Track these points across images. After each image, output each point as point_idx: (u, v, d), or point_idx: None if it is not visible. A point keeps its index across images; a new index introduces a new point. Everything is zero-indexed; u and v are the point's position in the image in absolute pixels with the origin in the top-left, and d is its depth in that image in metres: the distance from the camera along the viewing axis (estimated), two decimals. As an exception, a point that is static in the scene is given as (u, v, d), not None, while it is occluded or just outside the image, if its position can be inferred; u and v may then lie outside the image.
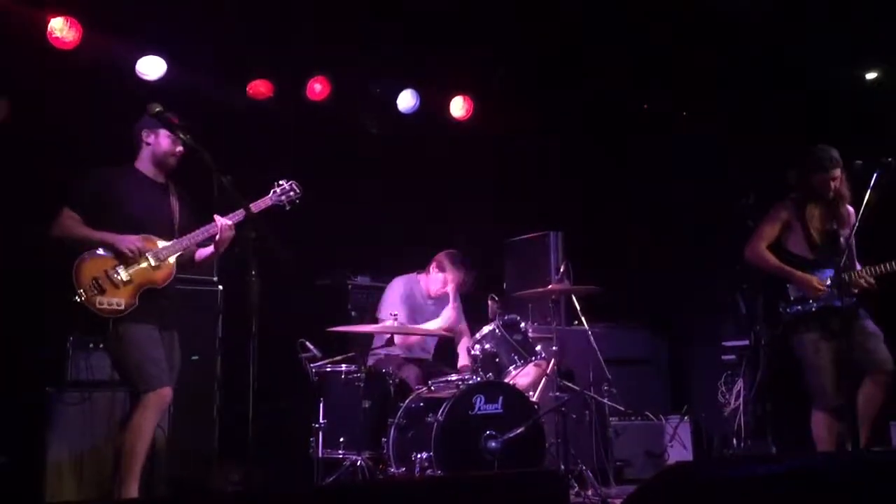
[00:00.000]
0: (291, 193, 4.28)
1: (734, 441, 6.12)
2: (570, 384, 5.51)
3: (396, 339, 5.46)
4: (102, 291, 3.95)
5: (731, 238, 5.61)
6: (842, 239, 4.65)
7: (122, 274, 4.00)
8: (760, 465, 2.36)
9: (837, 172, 4.77)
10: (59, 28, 5.31)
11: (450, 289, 5.55)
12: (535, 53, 6.47)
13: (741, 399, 6.17)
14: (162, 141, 4.19)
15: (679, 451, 6.22)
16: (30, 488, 4.58)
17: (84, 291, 3.91)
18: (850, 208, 4.77)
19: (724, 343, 6.56)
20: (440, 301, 5.66)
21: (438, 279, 5.60)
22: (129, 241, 4.02)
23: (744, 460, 4.32)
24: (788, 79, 6.34)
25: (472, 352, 5.19)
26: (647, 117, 7.02)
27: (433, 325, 5.56)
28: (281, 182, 4.30)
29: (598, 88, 6.76)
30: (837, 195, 4.79)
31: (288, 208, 4.28)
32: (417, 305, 5.62)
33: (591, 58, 6.44)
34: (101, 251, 4.02)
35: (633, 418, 6.21)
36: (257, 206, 4.16)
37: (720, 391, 6.45)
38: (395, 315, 5.18)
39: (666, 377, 6.86)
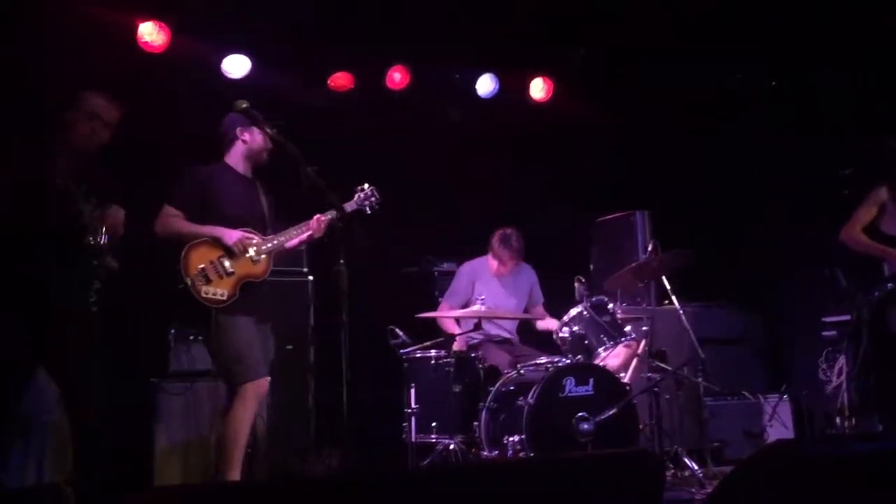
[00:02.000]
0: (373, 199, 4.43)
1: (837, 419, 5.91)
2: (662, 364, 5.42)
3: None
4: (208, 281, 4.07)
5: (829, 211, 5.42)
6: None
7: (228, 265, 4.13)
8: (862, 442, 2.28)
9: None
10: (149, 32, 5.50)
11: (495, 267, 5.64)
12: (617, 32, 6.33)
13: (844, 376, 5.95)
14: (258, 137, 4.30)
15: (779, 430, 6.04)
16: (140, 473, 4.79)
17: (191, 280, 4.04)
18: None
19: (823, 319, 6.33)
20: (506, 280, 5.70)
21: (492, 260, 5.68)
22: (237, 236, 4.15)
23: (845, 438, 4.19)
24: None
25: (560, 334, 5.16)
26: (737, 90, 6.79)
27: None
28: (363, 187, 4.42)
29: (683, 66, 6.57)
30: None
31: (369, 212, 4.39)
32: (485, 287, 5.63)
33: (676, 36, 6.26)
34: (206, 242, 4.14)
35: (729, 398, 6.06)
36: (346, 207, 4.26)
37: (821, 368, 6.22)
38: (482, 299, 5.19)
39: (762, 356, 6.66)
